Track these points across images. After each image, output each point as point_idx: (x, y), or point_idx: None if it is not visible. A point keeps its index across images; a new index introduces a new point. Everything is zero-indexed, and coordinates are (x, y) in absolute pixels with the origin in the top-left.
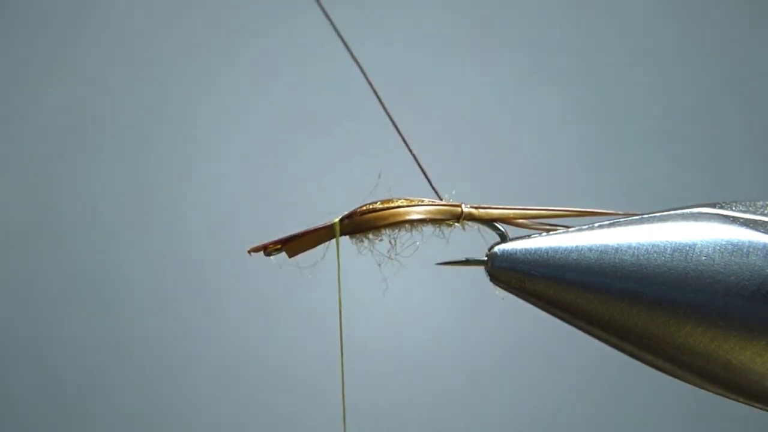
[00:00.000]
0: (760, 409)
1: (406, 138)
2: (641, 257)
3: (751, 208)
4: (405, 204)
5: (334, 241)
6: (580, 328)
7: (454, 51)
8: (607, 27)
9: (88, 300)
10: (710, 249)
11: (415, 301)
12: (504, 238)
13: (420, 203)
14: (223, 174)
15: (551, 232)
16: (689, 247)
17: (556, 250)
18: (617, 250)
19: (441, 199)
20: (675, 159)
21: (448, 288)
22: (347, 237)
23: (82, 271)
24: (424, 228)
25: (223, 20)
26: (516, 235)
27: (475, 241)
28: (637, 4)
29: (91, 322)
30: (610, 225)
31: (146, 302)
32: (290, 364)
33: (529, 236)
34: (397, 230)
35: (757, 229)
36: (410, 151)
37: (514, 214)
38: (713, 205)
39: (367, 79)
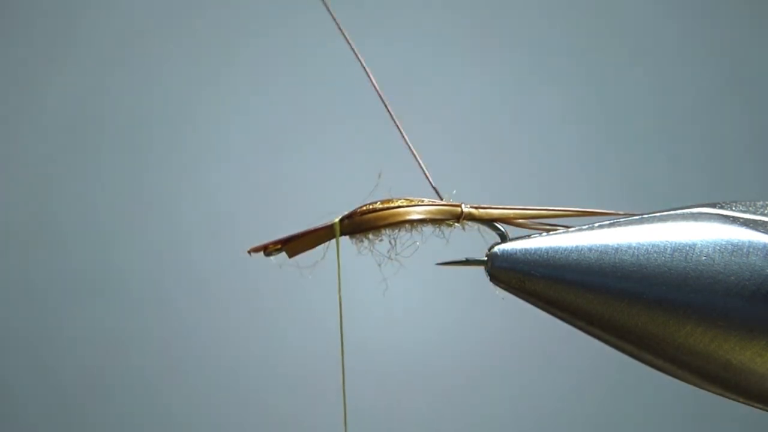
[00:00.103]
0: (760, 409)
1: (406, 137)
2: (641, 257)
3: (751, 208)
4: (405, 204)
5: (334, 241)
6: (580, 328)
7: (454, 51)
8: (607, 27)
9: (88, 300)
10: (710, 249)
11: (415, 301)
12: (504, 238)
13: (420, 203)
14: (223, 174)
15: (551, 232)
16: (689, 247)
17: (556, 250)
18: (617, 250)
19: (441, 199)
20: (675, 159)
21: (448, 288)
22: (347, 237)
23: (82, 270)
24: (424, 228)
25: (223, 20)
26: (516, 235)
27: (475, 241)
28: (637, 4)
29: (90, 322)
30: (610, 225)
31: (146, 302)
32: (290, 364)
33: (529, 236)
34: (397, 230)
35: (757, 229)
36: (411, 150)
37: (514, 214)
38: (713, 205)
39: (369, 77)
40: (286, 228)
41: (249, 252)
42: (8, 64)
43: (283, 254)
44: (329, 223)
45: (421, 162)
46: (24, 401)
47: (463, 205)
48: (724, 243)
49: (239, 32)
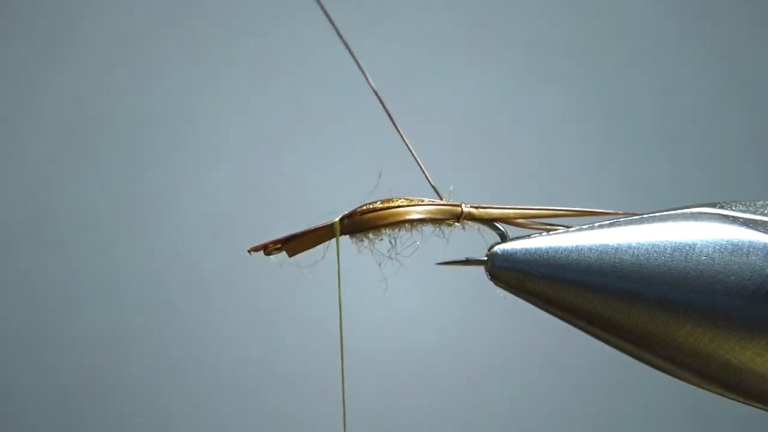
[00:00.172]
0: (760, 409)
1: (405, 138)
2: (641, 257)
3: (751, 208)
4: (405, 204)
5: (334, 240)
6: (580, 328)
7: (454, 51)
8: (607, 27)
9: (88, 299)
10: (710, 249)
11: (415, 301)
12: (504, 237)
13: (420, 203)
14: (223, 174)
15: (551, 232)
16: (689, 246)
17: (556, 250)
18: (617, 250)
19: (441, 199)
20: (675, 159)
21: (449, 288)
22: (347, 237)
23: (82, 270)
24: (424, 228)
25: (223, 20)
26: (516, 235)
27: (475, 241)
28: (637, 4)
29: (90, 322)
30: (610, 225)
31: (146, 302)
32: (291, 363)
33: (529, 236)
34: (397, 230)
35: (757, 229)
36: (410, 149)
37: (514, 214)
38: (713, 205)
39: (366, 78)
40: (286, 228)
41: (249, 251)
42: (8, 64)
43: (283, 254)
44: (329, 223)
45: (420, 162)
46: (24, 401)
47: (463, 205)
48: (724, 243)
49: (239, 32)
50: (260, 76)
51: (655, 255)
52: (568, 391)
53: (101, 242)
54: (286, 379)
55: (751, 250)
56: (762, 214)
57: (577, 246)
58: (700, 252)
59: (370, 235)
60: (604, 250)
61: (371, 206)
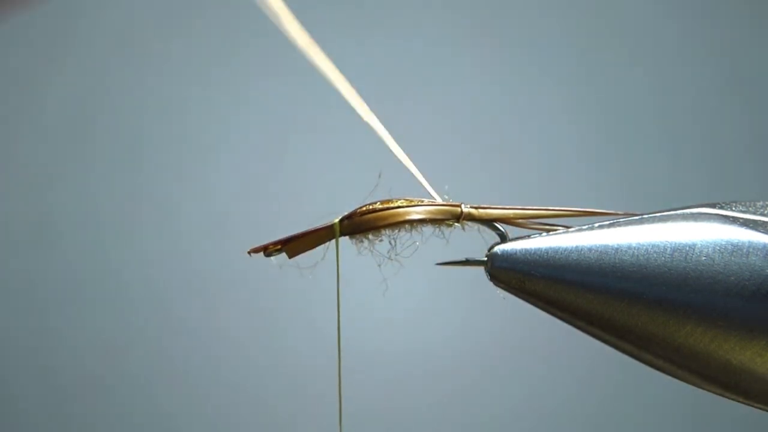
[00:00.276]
0: (760, 409)
1: (395, 142)
2: (641, 257)
3: (751, 208)
4: (405, 204)
5: (334, 241)
6: (580, 328)
7: (454, 51)
8: (607, 27)
9: (87, 300)
10: (710, 249)
11: (415, 302)
12: (504, 238)
13: (420, 203)
14: (222, 174)
15: (551, 232)
16: (689, 247)
17: (556, 250)
18: (617, 250)
19: (436, 199)
20: (675, 159)
21: (448, 288)
22: (347, 237)
23: (81, 271)
24: (424, 228)
25: (223, 20)
26: (516, 235)
27: (475, 241)
28: (637, 4)
29: (89, 323)
30: (610, 225)
31: (145, 303)
32: (291, 364)
33: (529, 236)
34: (396, 230)
35: (757, 229)
36: (399, 154)
37: (514, 214)
38: (713, 205)
39: (341, 89)
40: (286, 229)
41: (249, 252)
42: (8, 64)
43: (283, 255)
44: (329, 224)
45: (414, 163)
46: (23, 403)
47: (462, 205)
48: (724, 243)
49: (239, 32)
50: (260, 75)
51: (655, 255)
52: (568, 392)
53: (100, 242)
54: (286, 380)
55: (750, 250)
56: (762, 214)
57: (577, 246)
58: (699, 252)
59: (370, 236)
60: (604, 251)
61: (371, 207)
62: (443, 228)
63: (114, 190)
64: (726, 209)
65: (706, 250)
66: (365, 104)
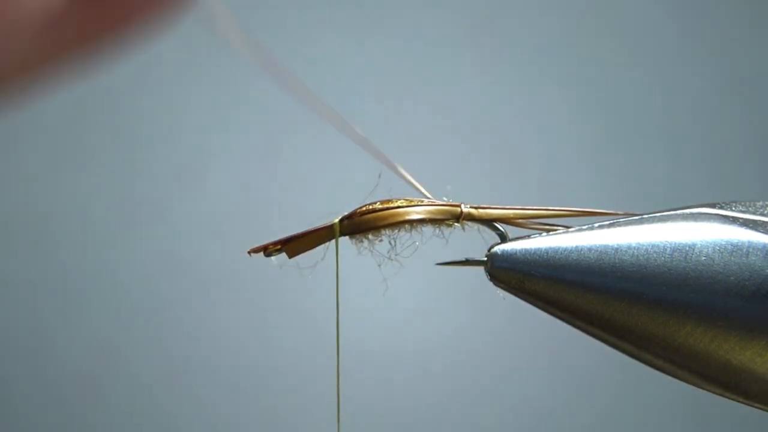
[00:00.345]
0: (760, 409)
1: (380, 151)
2: (641, 257)
3: (751, 208)
4: (405, 204)
5: (334, 241)
6: (580, 328)
7: (454, 51)
8: (607, 27)
9: (85, 301)
10: (710, 249)
11: (415, 302)
12: (504, 238)
13: (420, 203)
14: (222, 174)
15: (551, 232)
16: (689, 247)
17: (555, 250)
18: (617, 250)
19: (426, 198)
20: (675, 159)
21: (448, 288)
22: (347, 237)
23: (79, 271)
24: (424, 228)
25: None
26: (516, 235)
27: (475, 241)
28: (637, 4)
29: (88, 323)
30: (610, 225)
31: (145, 303)
32: (291, 365)
33: (528, 236)
34: (396, 230)
35: (756, 230)
36: (383, 159)
37: (513, 214)
38: (713, 206)
39: (304, 102)
40: (286, 228)
41: (249, 253)
42: None
43: (283, 255)
44: (329, 224)
45: (397, 168)
46: (21, 403)
47: (462, 205)
48: (723, 243)
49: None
50: (259, 74)
51: (655, 255)
52: (568, 392)
53: (99, 243)
54: (286, 380)
55: (750, 250)
56: (762, 214)
57: (576, 246)
58: (699, 252)
59: (370, 236)
60: (603, 251)
61: (371, 207)
62: (443, 228)
63: (113, 190)
64: (726, 209)
65: (705, 250)
66: (338, 115)
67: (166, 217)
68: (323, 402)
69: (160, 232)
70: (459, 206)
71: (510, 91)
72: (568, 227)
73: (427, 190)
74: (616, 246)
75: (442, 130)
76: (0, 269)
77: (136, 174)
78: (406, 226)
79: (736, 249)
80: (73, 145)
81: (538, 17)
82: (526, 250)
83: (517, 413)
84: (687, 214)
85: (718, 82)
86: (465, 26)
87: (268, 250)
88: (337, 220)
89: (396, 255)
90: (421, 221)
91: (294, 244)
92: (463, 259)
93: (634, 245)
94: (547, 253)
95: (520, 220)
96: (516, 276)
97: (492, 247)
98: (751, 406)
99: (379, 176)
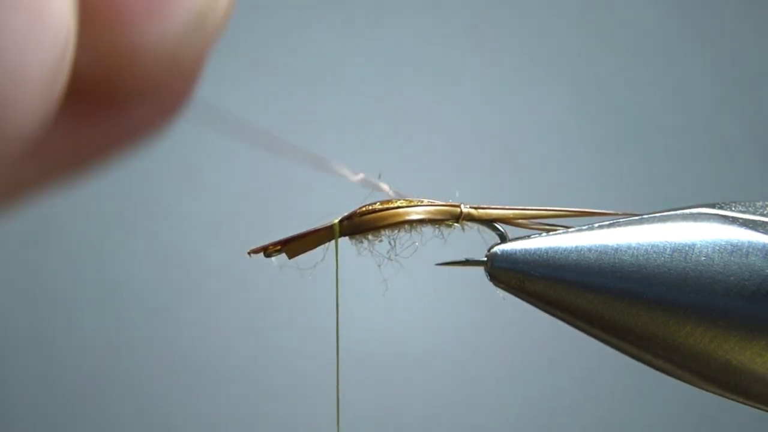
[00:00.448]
0: (760, 409)
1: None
2: (641, 257)
3: (750, 209)
4: (405, 204)
5: (333, 242)
6: (580, 329)
7: (454, 50)
8: (609, 27)
9: (84, 301)
10: (710, 249)
11: (415, 302)
12: (504, 238)
13: (419, 203)
14: (222, 174)
15: (551, 232)
16: (689, 247)
17: (555, 251)
18: (617, 250)
19: (412, 200)
20: (675, 159)
21: (448, 289)
22: (347, 238)
23: (78, 272)
24: (424, 228)
25: None
26: (516, 236)
27: (475, 242)
28: (638, 4)
29: (87, 323)
30: (609, 225)
31: (144, 303)
32: (292, 366)
33: (528, 236)
34: (396, 231)
35: (756, 230)
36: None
37: (513, 214)
38: (713, 206)
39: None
40: (286, 229)
41: (249, 253)
42: None
43: (283, 255)
44: (329, 224)
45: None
46: (20, 403)
47: (462, 206)
48: (723, 243)
49: (237, 31)
50: (259, 74)
51: (655, 255)
52: (568, 392)
53: (99, 243)
54: (286, 381)
55: (750, 250)
56: (762, 214)
57: (576, 246)
58: (699, 252)
59: (370, 237)
60: (603, 251)
61: (371, 207)
62: (443, 228)
63: (112, 190)
64: (726, 209)
65: (705, 250)
66: (304, 149)
67: (166, 218)
68: (323, 402)
69: (160, 232)
70: (459, 206)
71: (510, 91)
72: (568, 227)
73: (431, 194)
74: (615, 246)
75: (443, 130)
76: (3, 267)
77: (136, 174)
78: (406, 226)
79: (735, 249)
80: None
81: (539, 18)
82: (526, 250)
83: (518, 413)
84: (687, 214)
85: (718, 82)
86: (466, 26)
87: (268, 250)
88: (336, 221)
89: (396, 255)
90: (421, 221)
91: (294, 245)
92: (463, 260)
93: (633, 245)
94: (547, 253)
95: (520, 221)
96: (516, 276)
97: (492, 247)
98: (751, 406)
99: (379, 176)
